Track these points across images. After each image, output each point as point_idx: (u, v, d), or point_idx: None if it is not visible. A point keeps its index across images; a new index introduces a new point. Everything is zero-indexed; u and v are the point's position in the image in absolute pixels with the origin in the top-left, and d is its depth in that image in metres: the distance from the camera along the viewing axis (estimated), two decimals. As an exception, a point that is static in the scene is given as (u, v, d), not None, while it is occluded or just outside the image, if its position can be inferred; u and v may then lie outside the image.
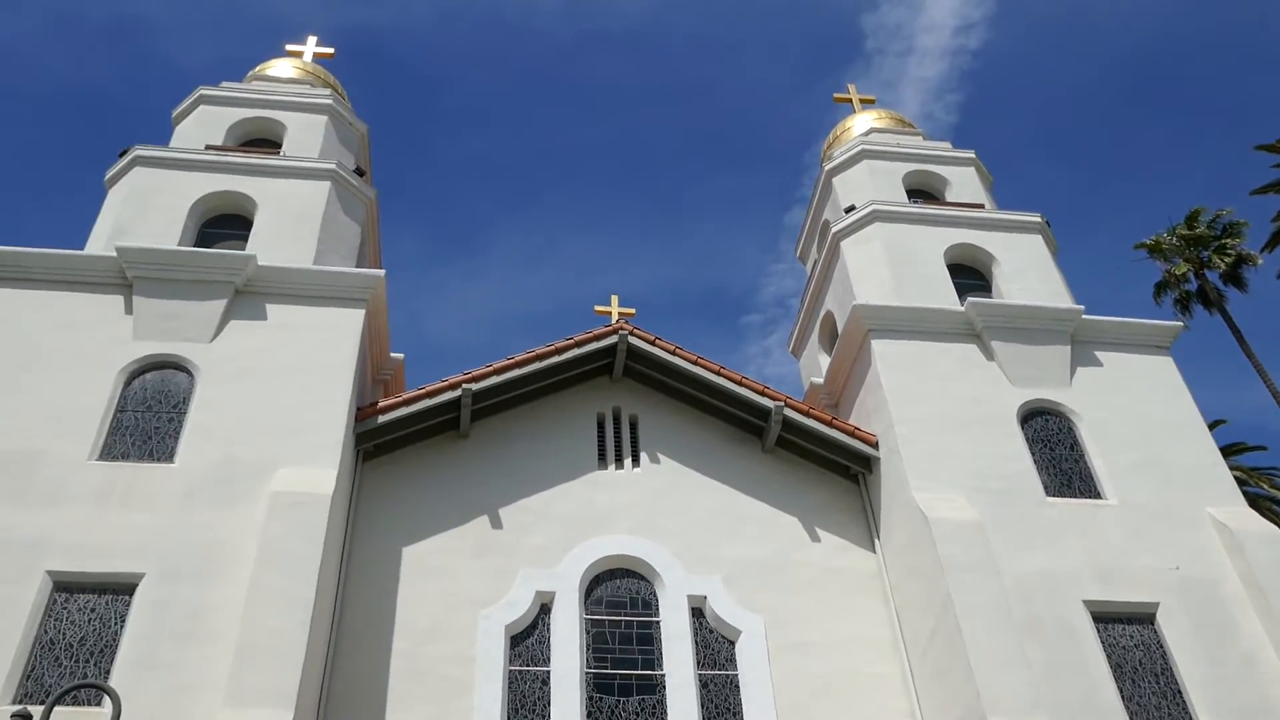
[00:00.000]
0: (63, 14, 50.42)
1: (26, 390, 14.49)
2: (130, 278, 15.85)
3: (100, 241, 16.93)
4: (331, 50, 23.88)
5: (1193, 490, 15.95)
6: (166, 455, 14.28)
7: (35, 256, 15.91)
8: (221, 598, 12.67)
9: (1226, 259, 31.78)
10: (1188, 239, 32.35)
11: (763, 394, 16.88)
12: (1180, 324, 18.41)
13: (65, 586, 12.78)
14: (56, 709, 9.64)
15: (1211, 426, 30.86)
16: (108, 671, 12.09)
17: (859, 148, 21.67)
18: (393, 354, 18.54)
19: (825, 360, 20.89)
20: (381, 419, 15.63)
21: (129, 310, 15.70)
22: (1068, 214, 52.90)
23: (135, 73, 52.28)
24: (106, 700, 11.50)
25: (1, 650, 11.95)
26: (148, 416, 14.77)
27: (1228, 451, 29.43)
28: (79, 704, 11.63)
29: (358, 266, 18.24)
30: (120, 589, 12.81)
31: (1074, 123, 57.70)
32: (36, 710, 10.59)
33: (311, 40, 23.98)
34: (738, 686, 14.35)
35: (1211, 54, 52.93)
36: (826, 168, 21.98)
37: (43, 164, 52.03)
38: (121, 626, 12.48)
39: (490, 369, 16.37)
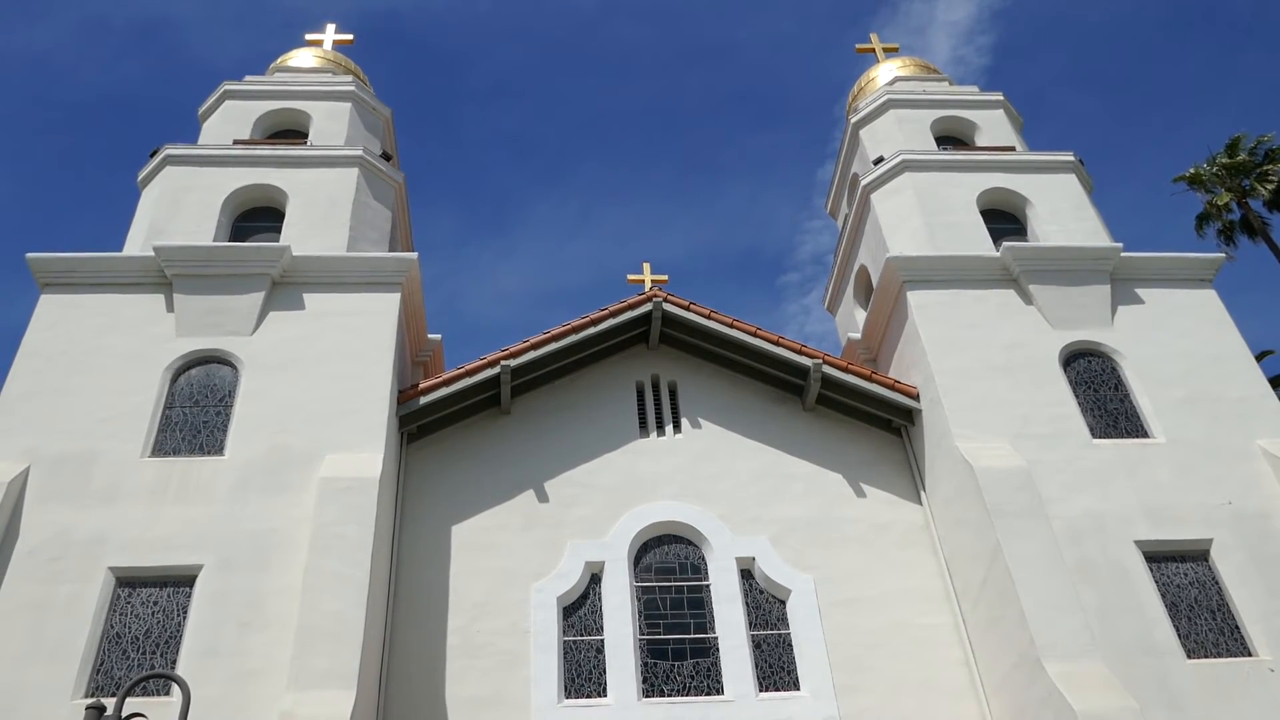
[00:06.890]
0: (88, 20, 50.92)
1: (78, 392, 14.81)
2: (169, 276, 16.11)
3: (138, 242, 17.18)
4: (351, 37, 23.97)
5: (1242, 423, 15.75)
6: (216, 448, 14.57)
7: (78, 261, 16.21)
8: (278, 584, 12.95)
9: (1269, 186, 31.09)
10: (1229, 168, 31.64)
11: (800, 352, 16.84)
12: (1221, 255, 18.06)
13: (128, 582, 13.12)
14: (128, 700, 9.92)
15: (1259, 358, 30.55)
16: (174, 661, 12.42)
17: (884, 98, 21.42)
18: (430, 335, 18.70)
19: (862, 315, 20.79)
20: (423, 400, 15.81)
21: (170, 308, 15.97)
22: (1106, 150, 51.95)
23: (163, 73, 52.75)
24: (175, 689, 11.84)
25: (71, 646, 12.33)
26: (195, 411, 15.06)
27: (1276, 382, 28.93)
28: (149, 694, 11.94)
29: (390, 250, 18.39)
30: (181, 581, 13.14)
31: (1109, 56, 56.56)
32: (109, 702, 10.94)
33: (330, 28, 24.03)
34: (791, 645, 14.45)
35: (1246, -25, 51.50)
36: (852, 120, 21.76)
37: (79, 169, 52.74)
38: (184, 617, 12.80)
39: (527, 344, 16.47)
